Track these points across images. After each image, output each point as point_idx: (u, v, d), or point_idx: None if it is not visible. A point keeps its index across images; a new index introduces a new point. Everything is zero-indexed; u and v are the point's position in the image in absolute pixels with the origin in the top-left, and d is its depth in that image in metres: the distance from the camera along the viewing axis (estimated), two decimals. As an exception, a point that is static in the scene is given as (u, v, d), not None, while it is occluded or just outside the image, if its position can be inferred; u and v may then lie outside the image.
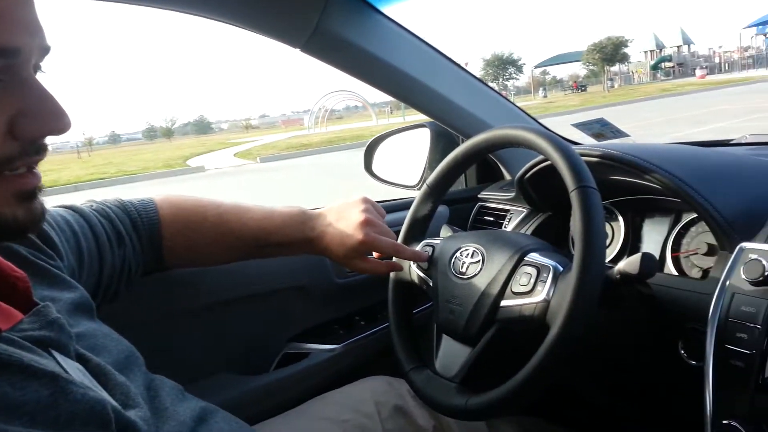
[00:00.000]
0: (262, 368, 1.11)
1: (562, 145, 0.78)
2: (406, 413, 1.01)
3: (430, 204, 0.98)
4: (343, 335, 1.17)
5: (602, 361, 0.94)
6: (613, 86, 51.94)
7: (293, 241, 0.91)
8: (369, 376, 1.07)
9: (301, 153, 20.09)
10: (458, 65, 1.27)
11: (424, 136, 1.39)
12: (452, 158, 0.95)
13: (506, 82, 66.65)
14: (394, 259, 0.96)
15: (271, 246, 0.91)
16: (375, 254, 0.95)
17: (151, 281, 0.92)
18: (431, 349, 0.90)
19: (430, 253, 0.93)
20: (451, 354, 0.85)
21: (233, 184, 12.77)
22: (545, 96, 56.07)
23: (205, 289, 1.00)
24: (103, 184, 15.21)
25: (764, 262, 0.74)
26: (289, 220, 0.91)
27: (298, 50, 1.06)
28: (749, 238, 0.82)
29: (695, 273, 0.98)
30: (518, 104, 1.42)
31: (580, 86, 57.68)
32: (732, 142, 1.36)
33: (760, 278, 0.74)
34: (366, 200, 0.93)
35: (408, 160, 1.42)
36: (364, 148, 1.48)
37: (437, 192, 0.98)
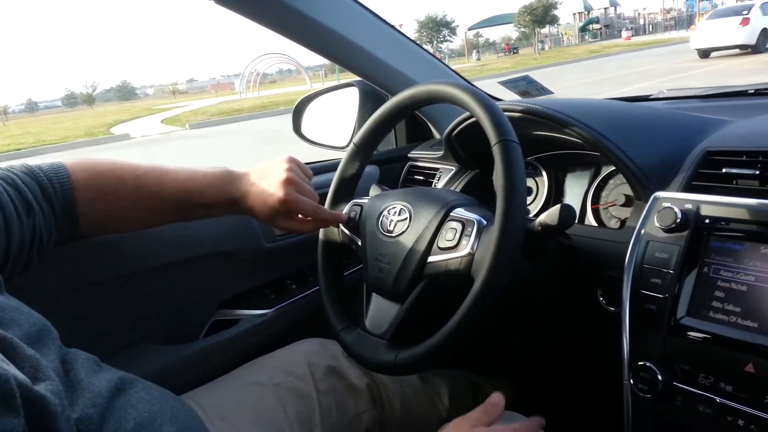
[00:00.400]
0: (191, 337, 1.08)
1: (485, 99, 0.78)
2: (340, 373, 1.01)
3: (357, 163, 0.97)
4: (275, 299, 1.15)
5: (527, 311, 0.97)
6: (543, 48, 52.90)
7: (219, 201, 0.88)
8: (302, 339, 1.07)
9: (233, 119, 19.48)
10: (386, 22, 1.25)
11: (353, 96, 1.37)
12: (378, 116, 0.94)
13: (440, 45, 66.66)
14: None
15: (196, 207, 0.88)
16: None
17: (66, 251, 0.87)
18: (362, 309, 0.90)
19: (358, 213, 0.92)
20: (381, 312, 0.85)
21: (161, 151, 12.29)
22: (479, 59, 56.46)
23: (125, 257, 0.96)
24: (22, 155, 14.26)
25: (676, 209, 0.77)
26: (215, 180, 0.88)
27: (211, 1, 1.00)
28: (663, 187, 0.86)
29: (614, 223, 1.02)
30: (453, 67, 1.41)
31: (512, 49, 58.46)
32: (651, 98, 1.41)
33: (673, 225, 0.77)
34: (291, 160, 0.91)
35: (338, 121, 1.40)
36: (292, 109, 1.44)
37: (364, 150, 0.96)
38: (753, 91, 1.23)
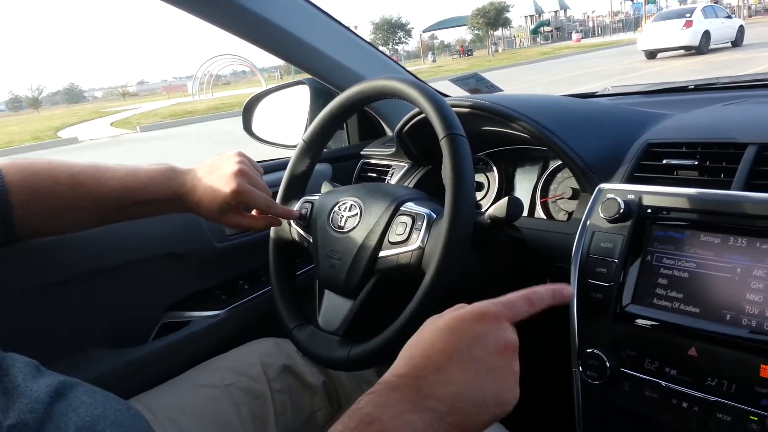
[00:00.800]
0: (139, 340, 1.05)
1: (432, 94, 0.78)
2: (295, 372, 1.00)
3: (307, 160, 0.96)
4: (226, 300, 1.13)
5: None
6: (497, 50, 53.70)
7: (161, 198, 0.85)
8: (255, 340, 1.05)
9: (186, 121, 19.08)
10: (335, 20, 1.24)
11: (303, 94, 1.36)
12: (327, 112, 0.93)
13: (396, 47, 67.00)
14: None
15: (137, 205, 0.85)
16: (254, 212, 0.92)
17: (2, 254, 0.83)
18: (315, 307, 0.89)
19: (309, 210, 0.91)
20: (334, 308, 0.85)
21: (111, 155, 11.96)
22: (434, 60, 56.93)
23: (67, 260, 0.92)
24: (-39, 161, 13.60)
25: (619, 200, 0.79)
26: (156, 176, 0.85)
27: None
28: (607, 179, 0.88)
29: (562, 216, 1.04)
30: (409, 68, 1.42)
31: (466, 51, 59.14)
32: (597, 94, 1.44)
33: (616, 215, 0.79)
34: (241, 154, 0.89)
35: (289, 119, 1.38)
36: (242, 108, 1.42)
37: (314, 147, 0.96)
38: (693, 86, 1.28)
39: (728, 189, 0.75)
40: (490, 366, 0.50)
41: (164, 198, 0.85)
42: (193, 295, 1.13)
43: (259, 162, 0.97)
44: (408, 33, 66.55)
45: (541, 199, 1.07)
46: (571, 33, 60.73)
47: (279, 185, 0.97)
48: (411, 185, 1.21)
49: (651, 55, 16.80)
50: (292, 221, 0.93)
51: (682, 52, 16.11)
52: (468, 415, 0.47)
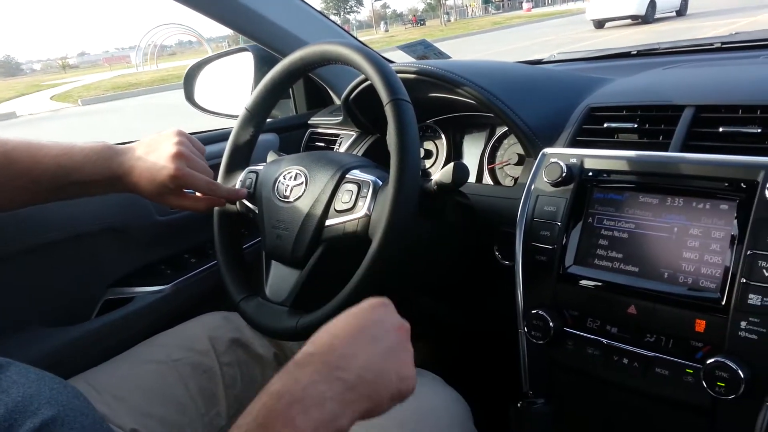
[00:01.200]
0: (82, 318, 1.02)
1: (376, 59, 0.77)
2: (245, 344, 0.99)
3: (251, 129, 0.93)
4: (171, 275, 1.10)
5: (429, 271, 0.98)
6: (449, 20, 53.50)
7: (97, 178, 0.81)
8: (202, 314, 1.04)
9: (130, 93, 18.36)
10: None
11: (247, 61, 1.31)
12: (269, 79, 0.90)
13: (347, 16, 65.93)
14: None
15: (72, 185, 0.80)
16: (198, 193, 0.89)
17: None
18: (263, 278, 0.88)
19: (253, 180, 0.89)
20: (281, 279, 0.84)
21: (52, 130, 11.43)
22: (387, 30, 56.34)
23: (1, 238, 0.88)
24: None
25: (562, 164, 0.80)
26: (93, 156, 0.80)
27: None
28: (551, 144, 0.89)
29: (509, 182, 1.05)
30: (361, 39, 1.39)
31: (419, 20, 58.78)
32: (543, 61, 1.45)
33: (559, 179, 0.80)
34: (180, 133, 0.86)
35: (233, 88, 1.34)
36: (183, 77, 1.37)
37: (258, 116, 0.93)
38: (635, 52, 1.30)
39: (666, 151, 0.77)
40: (389, 345, 0.54)
41: (102, 178, 0.81)
42: (137, 270, 1.09)
43: (200, 132, 0.94)
44: (359, 1, 65.55)
45: (488, 165, 1.08)
46: (521, 3, 60.96)
47: (221, 156, 0.94)
48: (360, 154, 1.20)
49: (599, 24, 17.05)
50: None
51: (629, 21, 16.40)
52: (375, 387, 0.50)
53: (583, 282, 0.77)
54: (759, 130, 0.73)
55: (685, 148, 0.76)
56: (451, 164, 0.74)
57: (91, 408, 0.63)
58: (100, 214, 1.00)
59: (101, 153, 0.81)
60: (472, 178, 1.09)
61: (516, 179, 1.01)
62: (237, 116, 1.13)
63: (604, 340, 0.76)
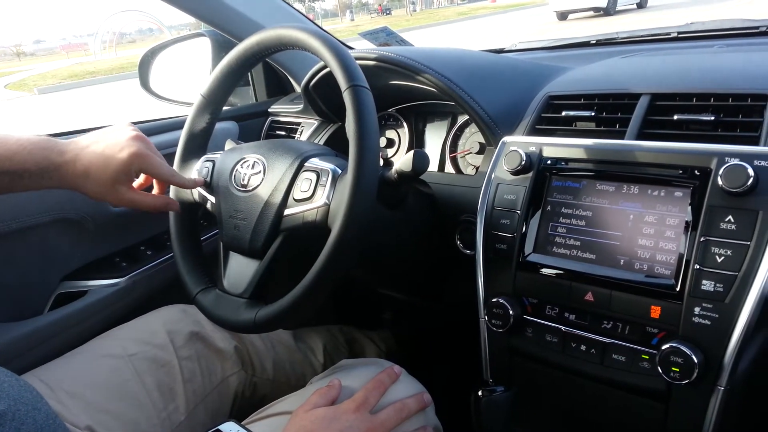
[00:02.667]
0: (34, 313, 0.98)
1: (335, 44, 0.75)
2: (204, 338, 0.97)
3: (207, 116, 0.91)
4: (127, 267, 1.07)
5: (392, 260, 0.97)
6: (415, 10, 53.40)
7: (32, 169, 0.74)
8: (160, 308, 1.01)
9: (88, 82, 17.85)
10: None
11: (204, 47, 1.28)
12: (225, 64, 0.88)
13: (312, 4, 65.23)
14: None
15: (2, 175, 0.74)
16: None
17: None
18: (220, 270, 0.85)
19: (210, 169, 0.87)
20: (239, 270, 0.82)
21: (6, 120, 11.05)
22: (352, 19, 55.92)
23: None
24: None
25: (521, 152, 0.80)
26: (29, 145, 0.74)
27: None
28: (511, 132, 0.89)
29: (470, 170, 1.05)
30: (326, 27, 1.36)
31: (385, 9, 58.42)
32: (505, 50, 1.46)
33: (518, 167, 0.80)
34: (133, 126, 0.82)
35: (189, 74, 1.31)
36: (138, 63, 1.32)
37: (214, 102, 0.90)
38: (594, 41, 1.31)
39: (623, 139, 0.77)
40: None
41: (35, 168, 0.74)
42: (91, 263, 1.06)
43: (154, 120, 0.91)
44: (325, -10, 64.81)
45: (450, 154, 1.08)
46: (487, -8, 61.21)
47: (177, 145, 0.91)
48: (321, 143, 1.18)
49: (562, 16, 17.24)
50: None
51: (591, 13, 16.63)
52: None
53: (543, 270, 0.78)
54: (712, 118, 0.74)
55: (641, 136, 0.77)
56: (411, 152, 0.73)
57: (43, 403, 0.61)
58: (52, 204, 0.96)
59: (39, 143, 0.75)
60: (434, 167, 1.09)
61: (477, 168, 1.01)
62: (191, 103, 1.10)
63: (563, 327, 0.77)
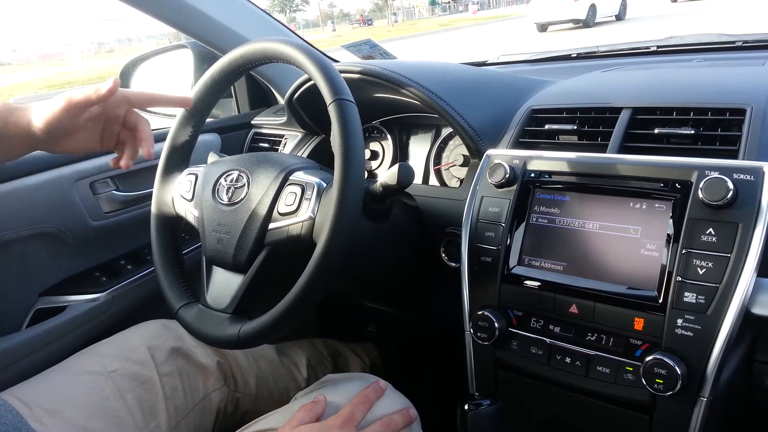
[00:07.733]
0: (11, 329, 0.96)
1: (320, 58, 0.75)
2: (186, 354, 0.96)
3: (190, 129, 0.90)
4: (107, 282, 1.05)
5: (377, 273, 0.97)
6: (397, 21, 53.79)
7: None
8: (141, 323, 0.99)
9: (65, 91, 17.66)
10: None
11: (186, 58, 1.27)
12: (209, 77, 0.87)
13: (294, 14, 65.36)
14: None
15: None
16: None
17: None
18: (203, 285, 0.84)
19: (193, 182, 0.86)
20: (223, 285, 0.81)
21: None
22: (334, 30, 56.10)
23: None
24: None
25: (505, 165, 0.81)
26: None
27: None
28: (495, 145, 0.89)
29: (455, 183, 1.05)
30: (308, 38, 1.36)
31: (366, 20, 58.79)
32: (488, 63, 1.47)
33: (503, 180, 0.81)
34: None
35: (171, 86, 1.30)
36: (119, 74, 1.31)
37: (197, 115, 0.89)
38: (575, 54, 1.33)
39: (605, 152, 0.78)
40: None
41: None
42: (70, 278, 1.04)
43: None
44: (306, 0, 65.07)
45: (434, 166, 1.08)
46: (468, 5, 61.85)
47: (158, 158, 0.90)
48: (305, 155, 1.18)
49: (542, 28, 17.43)
50: (175, 196, 0.87)
51: (570, 25, 16.86)
52: None
53: (527, 282, 0.78)
54: (692, 132, 0.75)
55: (622, 150, 0.78)
56: (396, 165, 0.73)
57: (23, 423, 0.59)
58: (30, 218, 0.95)
59: None
60: (418, 180, 1.09)
61: (462, 180, 1.02)
62: (173, 115, 1.09)
63: (547, 340, 0.77)
